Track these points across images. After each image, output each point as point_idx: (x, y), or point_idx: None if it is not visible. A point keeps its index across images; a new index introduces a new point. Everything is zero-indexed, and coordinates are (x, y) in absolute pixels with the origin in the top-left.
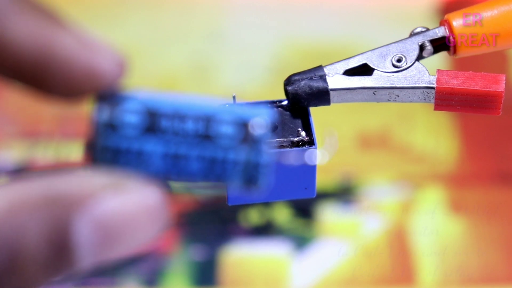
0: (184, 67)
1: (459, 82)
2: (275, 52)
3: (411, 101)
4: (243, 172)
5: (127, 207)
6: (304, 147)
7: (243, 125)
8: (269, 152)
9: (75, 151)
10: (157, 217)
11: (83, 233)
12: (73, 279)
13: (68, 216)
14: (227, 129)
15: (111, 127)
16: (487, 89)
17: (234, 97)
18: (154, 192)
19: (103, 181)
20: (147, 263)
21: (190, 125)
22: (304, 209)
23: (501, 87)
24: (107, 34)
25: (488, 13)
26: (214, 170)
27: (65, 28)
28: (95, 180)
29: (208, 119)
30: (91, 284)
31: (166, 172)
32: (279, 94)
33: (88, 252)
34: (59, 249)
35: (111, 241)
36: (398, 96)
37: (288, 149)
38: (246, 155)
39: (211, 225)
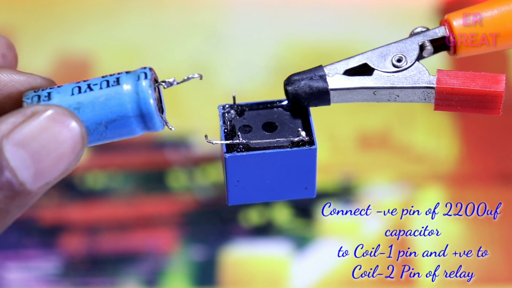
0: (184, 66)
1: (459, 82)
2: (275, 51)
3: (411, 101)
4: (136, 108)
5: (40, 126)
6: (304, 147)
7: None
8: (159, 117)
9: None
10: (66, 128)
11: (13, 155)
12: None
13: None
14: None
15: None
16: (487, 89)
17: (234, 97)
18: (58, 111)
19: (18, 115)
20: (147, 263)
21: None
22: (304, 209)
23: (501, 87)
24: (108, 33)
25: (488, 13)
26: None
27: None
28: (13, 115)
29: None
30: (92, 284)
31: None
32: (279, 94)
33: (25, 170)
34: (1, 175)
35: (37, 154)
36: (398, 96)
37: (288, 149)
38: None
39: (211, 225)
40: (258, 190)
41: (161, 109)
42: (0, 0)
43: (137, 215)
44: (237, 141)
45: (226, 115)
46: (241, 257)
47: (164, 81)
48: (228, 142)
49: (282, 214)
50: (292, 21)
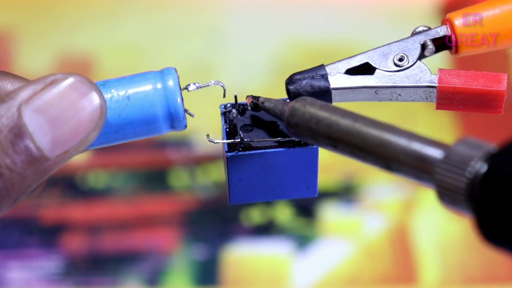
0: (185, 66)
1: (461, 81)
2: (276, 51)
3: (413, 100)
4: (166, 107)
5: (59, 93)
6: (306, 146)
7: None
8: (181, 98)
9: None
10: (85, 96)
11: (31, 120)
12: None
13: (18, 111)
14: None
15: None
16: (489, 88)
17: (235, 96)
18: (78, 80)
19: (39, 82)
20: (149, 262)
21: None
22: (306, 208)
23: (503, 86)
24: (109, 33)
25: (488, 13)
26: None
27: None
28: (33, 83)
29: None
30: (93, 284)
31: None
32: (280, 93)
33: (42, 136)
34: (20, 140)
35: (55, 120)
36: (400, 95)
37: (290, 148)
38: (166, 98)
39: (213, 224)
40: (260, 189)
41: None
42: (0, 0)
43: (139, 214)
44: (239, 140)
45: (228, 114)
46: (243, 256)
47: (189, 84)
48: (230, 141)
49: (283, 213)
50: (293, 21)
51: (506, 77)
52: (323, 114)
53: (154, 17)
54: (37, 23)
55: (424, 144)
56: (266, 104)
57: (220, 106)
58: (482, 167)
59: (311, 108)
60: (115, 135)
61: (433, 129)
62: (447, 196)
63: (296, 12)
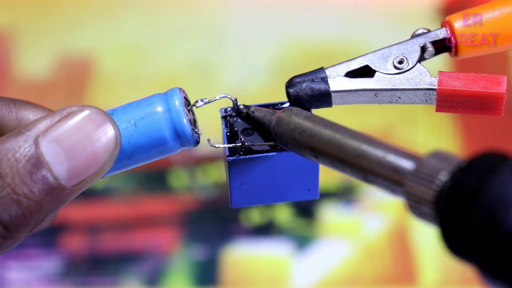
0: (185, 66)
1: (461, 83)
2: (277, 51)
3: (412, 103)
4: (171, 127)
5: (75, 124)
6: None
7: (166, 99)
8: (186, 117)
9: None
10: (100, 127)
11: (48, 150)
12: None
13: (35, 142)
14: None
15: None
16: (489, 91)
17: (236, 100)
18: (93, 112)
19: (55, 114)
20: (149, 262)
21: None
22: (306, 209)
23: (502, 89)
24: (109, 33)
25: (488, 14)
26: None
27: None
28: (50, 116)
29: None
30: (93, 284)
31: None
32: (280, 93)
33: (59, 165)
34: (37, 169)
35: (71, 151)
36: (399, 97)
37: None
38: (171, 117)
39: (213, 224)
40: (261, 192)
41: (192, 123)
42: (0, 0)
43: (138, 215)
44: (240, 144)
45: (228, 118)
46: (242, 256)
47: (196, 101)
48: (230, 145)
49: (283, 214)
50: (293, 21)
51: (506, 80)
52: (307, 124)
53: (154, 17)
54: (37, 23)
55: (398, 156)
56: (256, 113)
57: (220, 110)
58: (449, 181)
59: (296, 118)
60: (129, 161)
61: (433, 132)
62: (415, 207)
63: (296, 12)
